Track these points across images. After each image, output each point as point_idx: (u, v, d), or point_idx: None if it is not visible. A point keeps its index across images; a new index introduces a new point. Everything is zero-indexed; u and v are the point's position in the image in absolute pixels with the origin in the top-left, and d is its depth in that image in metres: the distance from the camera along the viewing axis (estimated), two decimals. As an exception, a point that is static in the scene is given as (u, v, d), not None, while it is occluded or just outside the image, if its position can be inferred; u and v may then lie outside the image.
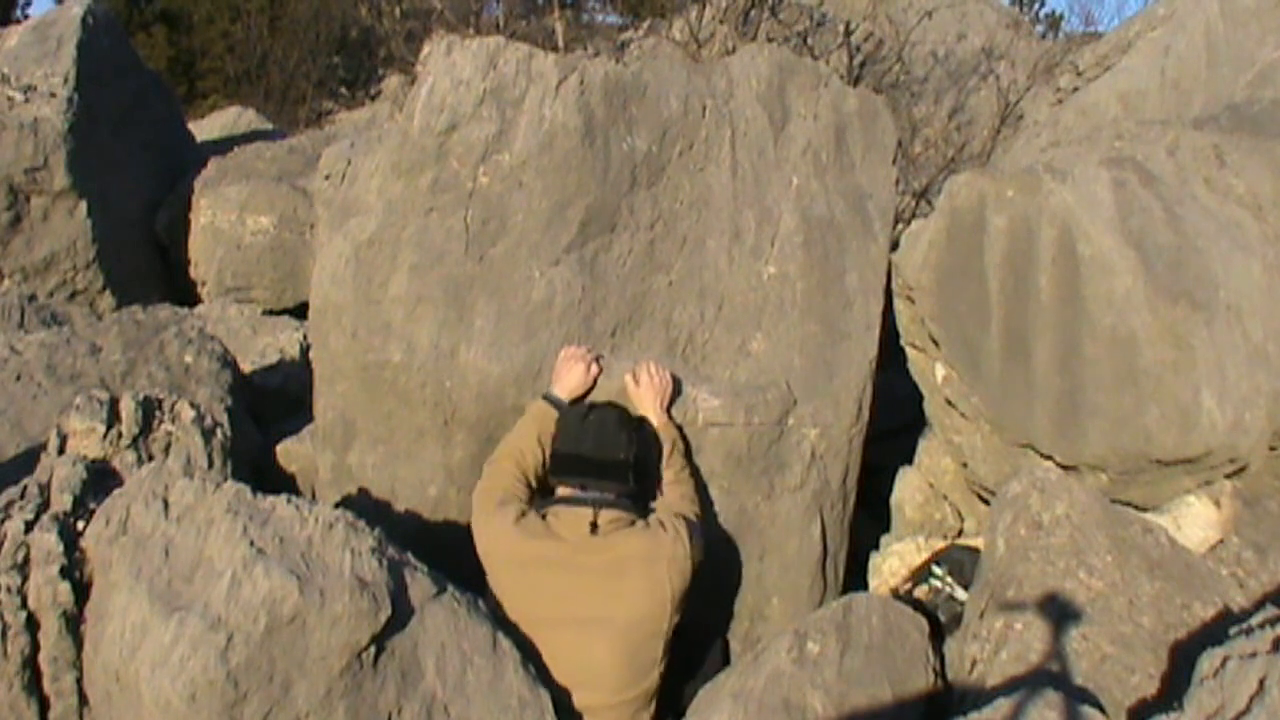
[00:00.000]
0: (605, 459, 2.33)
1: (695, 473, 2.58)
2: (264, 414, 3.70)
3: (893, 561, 3.00)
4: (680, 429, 2.58)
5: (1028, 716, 1.87)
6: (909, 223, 4.02)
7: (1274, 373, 2.68)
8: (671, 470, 2.48)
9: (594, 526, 2.27)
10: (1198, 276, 2.68)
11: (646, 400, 2.52)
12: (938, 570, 2.81)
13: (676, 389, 2.59)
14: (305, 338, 4.50)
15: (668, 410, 2.56)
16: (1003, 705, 1.90)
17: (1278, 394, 2.68)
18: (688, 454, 2.58)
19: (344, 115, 13.19)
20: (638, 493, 2.41)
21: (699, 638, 2.51)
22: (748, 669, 2.27)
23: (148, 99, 6.10)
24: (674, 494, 2.46)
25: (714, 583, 2.56)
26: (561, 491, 2.37)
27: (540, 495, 2.42)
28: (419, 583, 2.03)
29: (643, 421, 2.49)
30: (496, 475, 2.41)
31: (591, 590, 2.22)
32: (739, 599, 2.72)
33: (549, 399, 2.51)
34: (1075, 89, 5.65)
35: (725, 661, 2.58)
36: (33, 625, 2.01)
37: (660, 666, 2.27)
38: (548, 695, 2.09)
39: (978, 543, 2.80)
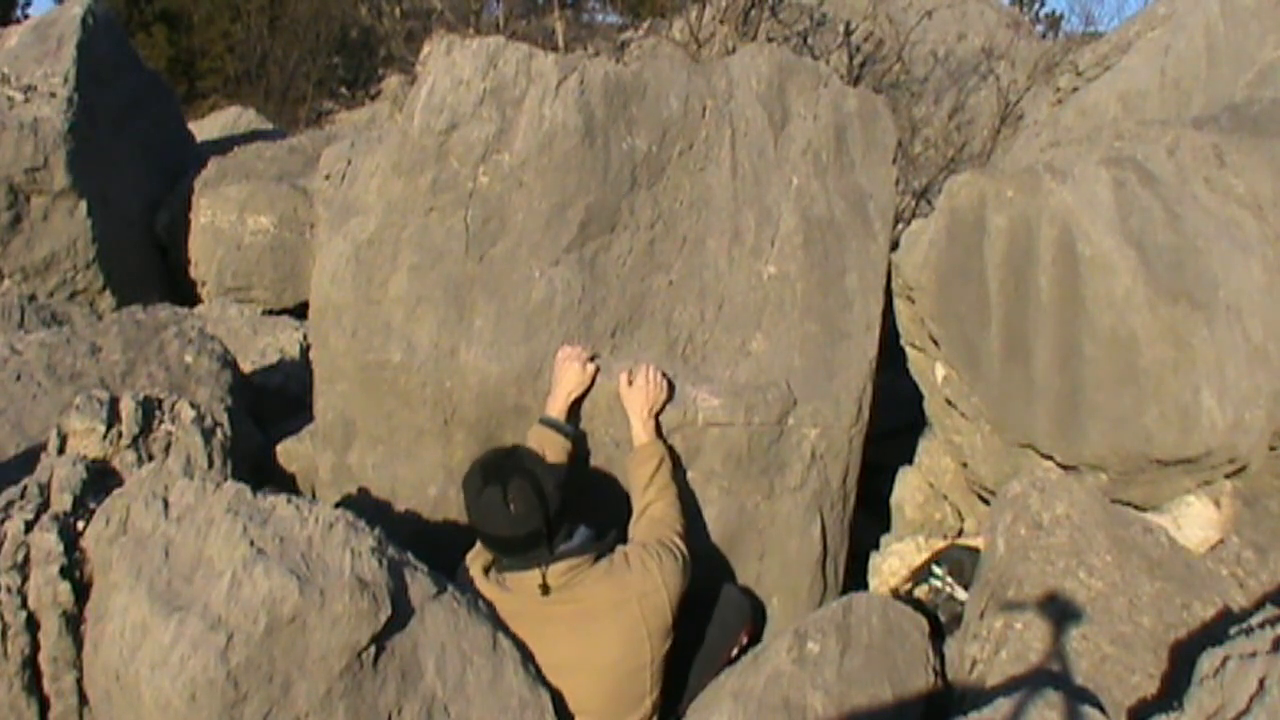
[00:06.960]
0: (520, 534, 2.14)
1: (682, 487, 2.49)
2: (264, 414, 3.70)
3: (893, 561, 3.00)
4: (678, 431, 2.57)
5: (1028, 716, 1.87)
6: (909, 223, 4.02)
7: (1274, 372, 2.68)
8: (654, 488, 2.39)
9: (545, 588, 2.15)
10: (1198, 276, 2.68)
11: (636, 404, 2.49)
12: (938, 570, 2.81)
13: (670, 395, 2.56)
14: (305, 338, 4.50)
15: (658, 417, 2.52)
16: (1003, 705, 1.90)
17: (1278, 394, 2.68)
18: (675, 466, 2.50)
19: (344, 115, 13.19)
20: (585, 525, 2.26)
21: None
22: (748, 669, 2.27)
23: (148, 99, 6.09)
24: (650, 516, 2.35)
25: (714, 583, 2.56)
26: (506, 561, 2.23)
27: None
28: (419, 583, 2.03)
29: (547, 464, 2.27)
30: None
31: (563, 639, 2.16)
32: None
33: (547, 422, 2.47)
34: (1075, 89, 5.64)
35: (739, 618, 2.52)
36: (33, 625, 2.01)
37: (653, 694, 2.23)
38: (547, 695, 2.09)
39: (978, 543, 2.80)
